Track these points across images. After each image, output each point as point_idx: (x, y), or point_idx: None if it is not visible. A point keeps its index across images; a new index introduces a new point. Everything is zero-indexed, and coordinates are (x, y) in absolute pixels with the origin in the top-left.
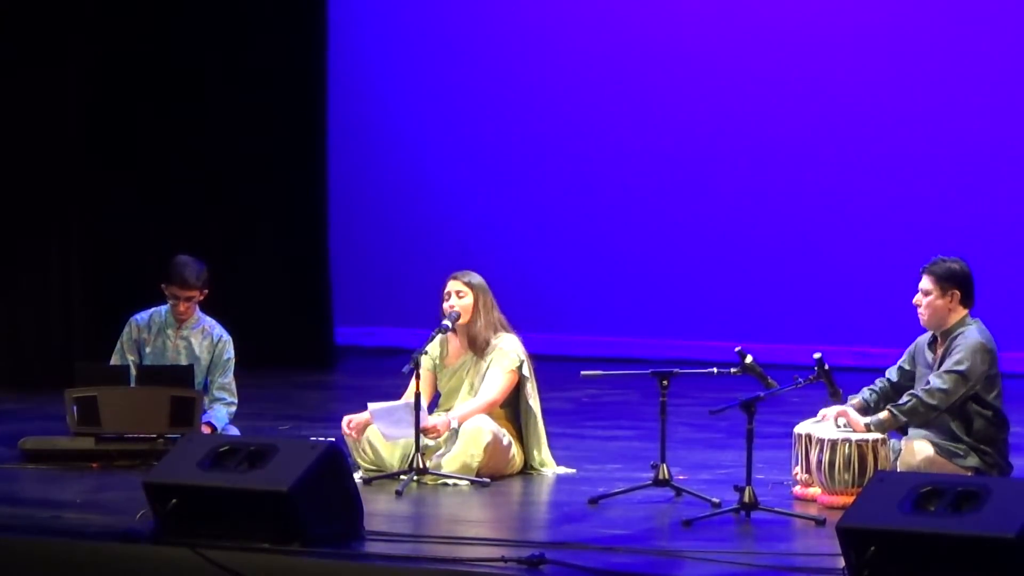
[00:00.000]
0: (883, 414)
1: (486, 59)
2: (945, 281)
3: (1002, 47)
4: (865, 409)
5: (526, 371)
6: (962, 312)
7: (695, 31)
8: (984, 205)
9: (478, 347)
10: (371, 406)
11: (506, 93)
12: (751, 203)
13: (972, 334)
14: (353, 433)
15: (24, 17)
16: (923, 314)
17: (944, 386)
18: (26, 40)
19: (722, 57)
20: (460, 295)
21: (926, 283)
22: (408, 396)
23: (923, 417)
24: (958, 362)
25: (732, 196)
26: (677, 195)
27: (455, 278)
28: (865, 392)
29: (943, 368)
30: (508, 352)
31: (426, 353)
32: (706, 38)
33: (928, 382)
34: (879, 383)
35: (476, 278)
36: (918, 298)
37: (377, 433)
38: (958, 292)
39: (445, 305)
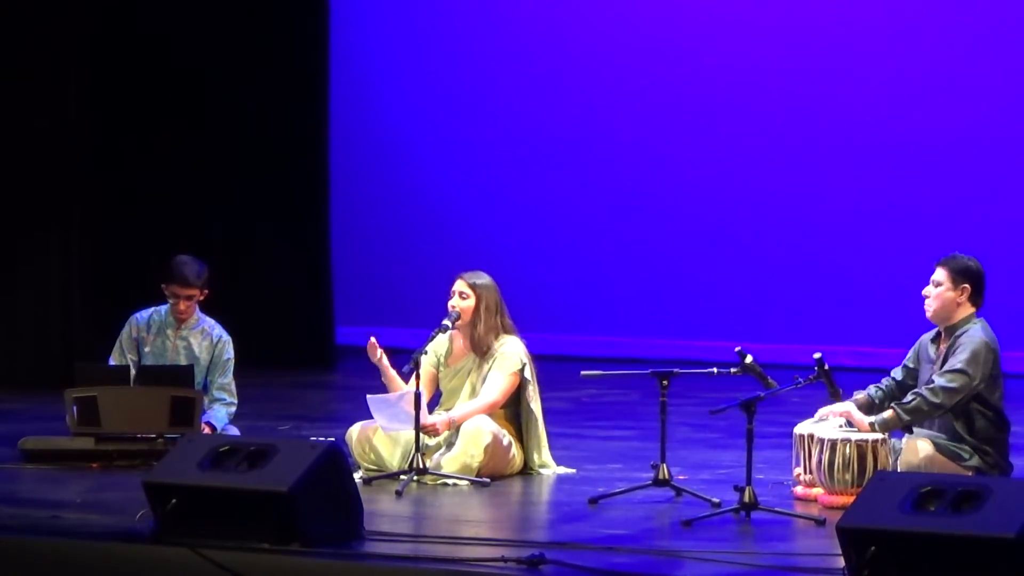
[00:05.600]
0: (887, 413)
1: (487, 59)
2: (959, 275)
3: (1005, 47)
4: (870, 405)
5: (527, 374)
6: (970, 310)
7: (696, 32)
8: (984, 205)
9: (479, 350)
10: (369, 398)
11: (507, 93)
12: (751, 203)
13: (976, 333)
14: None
15: (24, 17)
16: (930, 305)
17: (948, 385)
18: (26, 40)
19: (722, 58)
20: (463, 296)
21: (939, 275)
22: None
23: (927, 416)
24: (962, 361)
25: (732, 196)
26: (677, 195)
27: (462, 278)
28: (871, 389)
29: (947, 367)
30: (510, 355)
31: (426, 353)
32: (707, 39)
33: (932, 381)
34: (885, 382)
35: (484, 279)
36: (928, 289)
37: (378, 433)
38: (969, 287)
39: (450, 302)
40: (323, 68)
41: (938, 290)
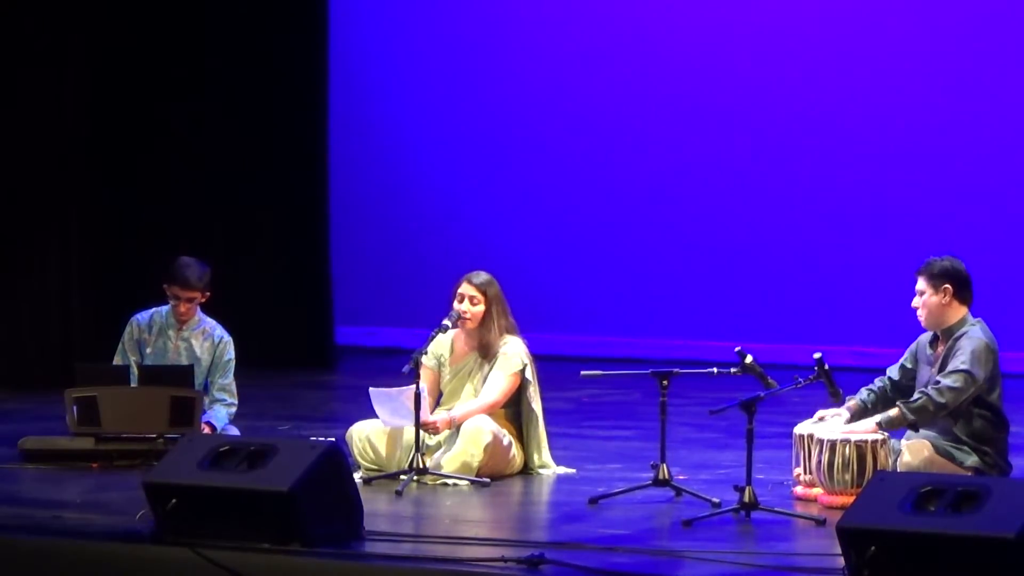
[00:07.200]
0: (893, 411)
1: (487, 58)
2: (937, 278)
3: (1001, 47)
4: (863, 410)
5: (529, 375)
6: (961, 310)
7: (695, 32)
8: (983, 205)
9: (486, 352)
10: (372, 390)
11: (507, 93)
12: (751, 203)
13: (976, 334)
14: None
15: (24, 17)
16: (921, 315)
17: (954, 385)
18: (26, 40)
19: (721, 58)
20: (474, 301)
21: (920, 283)
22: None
23: (932, 415)
24: (965, 361)
25: (732, 196)
26: (677, 195)
27: (468, 280)
28: (863, 393)
29: (951, 367)
30: (512, 355)
31: (426, 353)
32: (706, 39)
33: (938, 381)
34: (878, 383)
35: (488, 278)
36: (915, 300)
37: (378, 432)
38: (951, 287)
39: (457, 306)
40: (323, 69)
41: (923, 298)
